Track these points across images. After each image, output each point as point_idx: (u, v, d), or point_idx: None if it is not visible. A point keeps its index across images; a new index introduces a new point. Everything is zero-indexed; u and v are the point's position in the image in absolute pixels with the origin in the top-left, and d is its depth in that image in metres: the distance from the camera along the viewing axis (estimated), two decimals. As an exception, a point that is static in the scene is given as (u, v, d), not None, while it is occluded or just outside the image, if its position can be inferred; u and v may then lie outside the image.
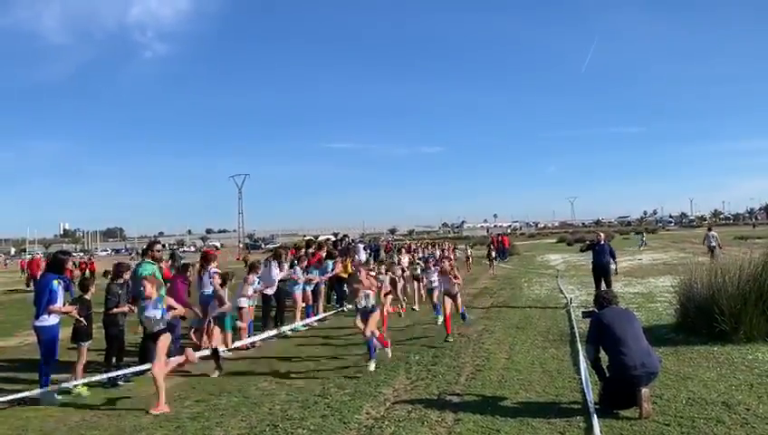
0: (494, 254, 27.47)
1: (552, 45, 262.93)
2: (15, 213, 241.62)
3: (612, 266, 14.18)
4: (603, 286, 13.47)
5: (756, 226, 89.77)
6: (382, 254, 27.00)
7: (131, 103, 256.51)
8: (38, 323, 7.53)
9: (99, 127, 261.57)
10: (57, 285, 7.64)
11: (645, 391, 5.55)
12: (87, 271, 29.09)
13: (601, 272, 14.09)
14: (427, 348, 9.56)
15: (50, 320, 7.55)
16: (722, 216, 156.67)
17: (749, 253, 9.52)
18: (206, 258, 10.67)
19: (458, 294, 10.94)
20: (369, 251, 25.88)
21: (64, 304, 7.83)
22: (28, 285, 27.44)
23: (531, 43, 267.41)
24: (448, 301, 10.51)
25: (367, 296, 8.58)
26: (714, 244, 25.52)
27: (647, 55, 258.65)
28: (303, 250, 15.04)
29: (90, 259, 34.95)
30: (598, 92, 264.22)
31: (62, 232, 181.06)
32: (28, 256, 39.81)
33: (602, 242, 14.52)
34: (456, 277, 10.91)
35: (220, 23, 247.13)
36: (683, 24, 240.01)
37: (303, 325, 12.28)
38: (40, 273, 23.97)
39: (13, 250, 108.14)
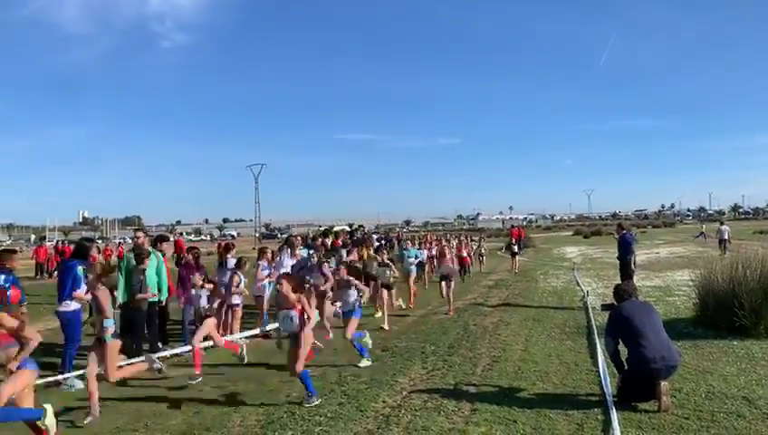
0: (515, 248, 23.69)
1: (570, 38, 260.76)
2: (36, 201, 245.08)
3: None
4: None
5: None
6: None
7: (150, 92, 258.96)
8: (61, 309, 7.65)
9: (118, 115, 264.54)
10: (81, 271, 7.75)
11: (664, 384, 5.51)
12: (114, 257, 28.94)
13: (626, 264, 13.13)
14: (443, 338, 9.55)
15: (72, 305, 7.66)
16: (741, 210, 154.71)
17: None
18: (226, 247, 10.84)
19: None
20: (383, 243, 25.82)
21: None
22: (38, 274, 27.31)
23: (549, 36, 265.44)
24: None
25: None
26: (726, 237, 25.87)
27: (667, 49, 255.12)
28: (320, 240, 15.08)
29: (119, 245, 34.94)
30: (617, 86, 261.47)
31: (81, 220, 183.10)
32: (48, 244, 40.10)
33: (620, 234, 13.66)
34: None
35: (237, 13, 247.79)
36: (702, 18, 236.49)
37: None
38: (45, 260, 24.11)
39: (33, 237, 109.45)
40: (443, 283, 12.75)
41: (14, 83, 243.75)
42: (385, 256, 12.28)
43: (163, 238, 10.59)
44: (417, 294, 14.43)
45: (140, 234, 10.00)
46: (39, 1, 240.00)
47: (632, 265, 13.10)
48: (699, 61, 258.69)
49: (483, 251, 24.57)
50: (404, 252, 15.28)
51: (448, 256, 13.58)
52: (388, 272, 11.74)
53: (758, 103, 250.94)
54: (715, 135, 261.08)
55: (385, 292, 11.50)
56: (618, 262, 13.61)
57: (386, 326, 10.63)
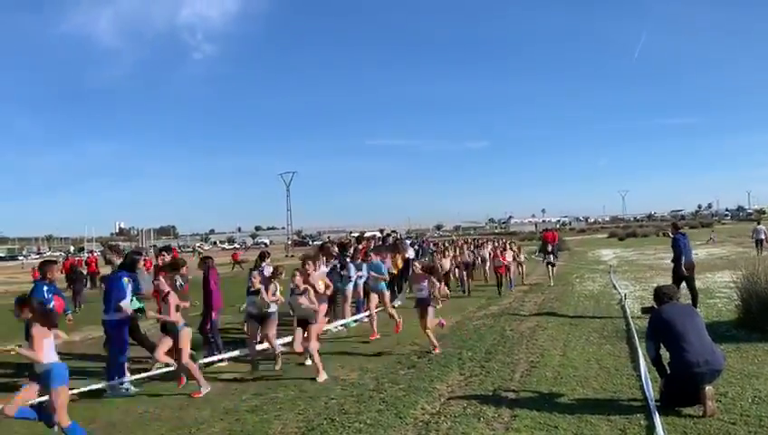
0: (552, 257, 19.35)
1: (603, 35, 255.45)
2: (75, 213, 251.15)
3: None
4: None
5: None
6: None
7: (183, 103, 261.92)
8: (106, 317, 7.85)
9: (152, 127, 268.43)
10: (126, 282, 7.95)
11: (709, 388, 5.41)
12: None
13: (690, 270, 11.69)
14: (479, 344, 9.51)
15: (117, 315, 7.85)
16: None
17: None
18: (261, 256, 11.04)
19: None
20: (416, 248, 25.77)
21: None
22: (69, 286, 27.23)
23: (581, 33, 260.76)
24: None
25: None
26: (762, 237, 25.54)
27: (702, 43, 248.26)
28: (353, 247, 15.15)
29: (160, 254, 34.62)
30: (652, 82, 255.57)
31: (117, 230, 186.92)
32: (86, 255, 40.76)
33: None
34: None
35: (267, 23, 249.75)
36: (738, 10, 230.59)
37: (354, 321, 12.38)
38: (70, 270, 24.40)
39: (72, 248, 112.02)
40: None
41: (54, 100, 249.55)
42: (299, 278, 8.55)
43: (164, 249, 10.75)
44: (399, 324, 10.99)
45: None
46: (74, 19, 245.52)
47: (681, 269, 11.62)
48: (737, 54, 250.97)
49: (522, 259, 20.50)
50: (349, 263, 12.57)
51: (419, 272, 9.61)
52: (303, 301, 8.26)
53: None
54: (755, 130, 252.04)
55: (299, 330, 8.29)
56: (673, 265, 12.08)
57: (320, 378, 7.75)
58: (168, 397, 7.45)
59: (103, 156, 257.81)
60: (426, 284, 9.35)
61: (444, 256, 18.31)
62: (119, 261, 8.75)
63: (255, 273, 9.32)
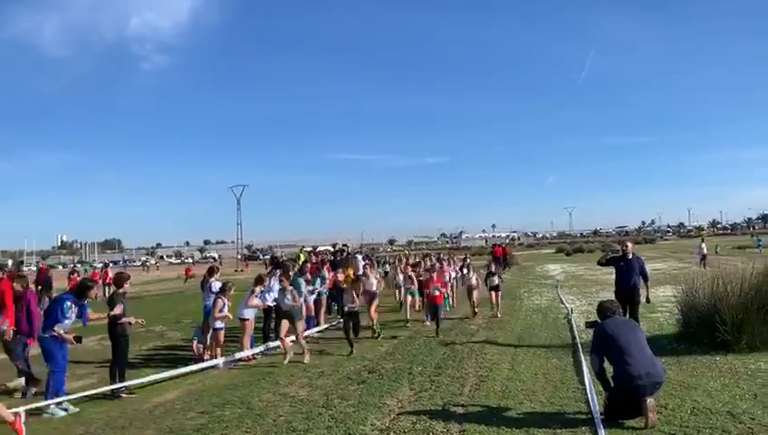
0: (497, 279, 15.04)
1: (552, 56, 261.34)
2: (14, 225, 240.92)
3: (643, 293, 10.36)
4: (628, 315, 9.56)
5: (755, 235, 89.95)
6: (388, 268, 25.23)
7: (130, 115, 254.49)
8: (44, 335, 7.60)
9: (97, 138, 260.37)
10: (68, 307, 7.74)
11: (650, 400, 5.56)
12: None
13: (627, 297, 10.05)
14: (429, 359, 9.54)
15: (50, 332, 7.61)
16: (719, 226, 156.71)
17: (751, 263, 9.54)
18: (210, 271, 10.86)
19: None
20: (368, 262, 25.72)
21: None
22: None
23: (531, 54, 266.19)
24: None
25: None
26: (705, 253, 27.11)
27: (645, 65, 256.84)
28: (307, 262, 15.07)
29: (105, 270, 31.94)
30: (598, 104, 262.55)
31: (59, 244, 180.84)
32: (33, 268, 38.96)
33: (629, 256, 10.50)
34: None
35: (219, 35, 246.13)
36: (680, 33, 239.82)
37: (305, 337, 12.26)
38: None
39: (10, 262, 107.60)
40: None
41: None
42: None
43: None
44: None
45: None
46: (18, 25, 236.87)
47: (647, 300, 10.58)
48: (679, 76, 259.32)
49: (473, 282, 15.56)
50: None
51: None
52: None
53: (736, 118, 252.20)
54: (695, 150, 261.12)
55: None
56: (620, 293, 10.19)
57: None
58: (109, 417, 7.21)
59: (46, 167, 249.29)
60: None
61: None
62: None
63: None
